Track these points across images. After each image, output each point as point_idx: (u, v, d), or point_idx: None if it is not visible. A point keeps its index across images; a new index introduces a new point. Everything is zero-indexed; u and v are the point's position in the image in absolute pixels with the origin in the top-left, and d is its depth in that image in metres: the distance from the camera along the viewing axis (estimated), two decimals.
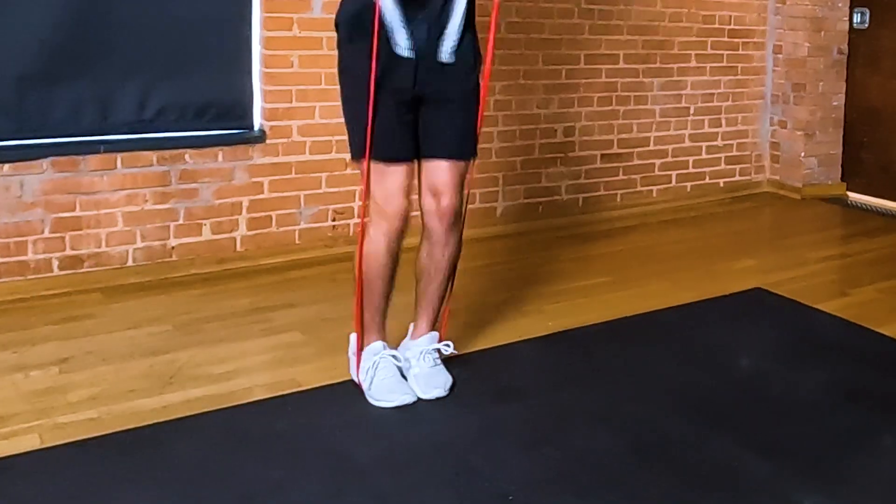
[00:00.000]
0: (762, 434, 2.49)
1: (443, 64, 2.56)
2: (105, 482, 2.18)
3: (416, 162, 2.64)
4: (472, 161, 2.69)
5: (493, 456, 2.33)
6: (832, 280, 3.95)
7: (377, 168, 2.56)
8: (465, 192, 2.71)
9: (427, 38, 2.52)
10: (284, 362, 2.90)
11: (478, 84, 2.66)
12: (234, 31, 3.89)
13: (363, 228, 2.62)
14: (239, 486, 2.17)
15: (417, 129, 2.64)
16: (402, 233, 2.62)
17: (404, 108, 2.57)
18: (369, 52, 2.45)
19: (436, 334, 2.79)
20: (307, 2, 3.95)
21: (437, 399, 2.64)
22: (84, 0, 3.51)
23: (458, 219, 2.69)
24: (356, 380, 2.69)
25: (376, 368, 2.65)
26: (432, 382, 2.68)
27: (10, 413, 2.50)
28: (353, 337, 2.72)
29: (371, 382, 2.64)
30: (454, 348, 2.81)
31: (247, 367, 2.85)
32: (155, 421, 2.46)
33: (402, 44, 2.50)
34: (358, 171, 2.80)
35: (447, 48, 2.55)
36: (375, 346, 2.69)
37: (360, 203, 2.67)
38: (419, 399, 2.63)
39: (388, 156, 2.56)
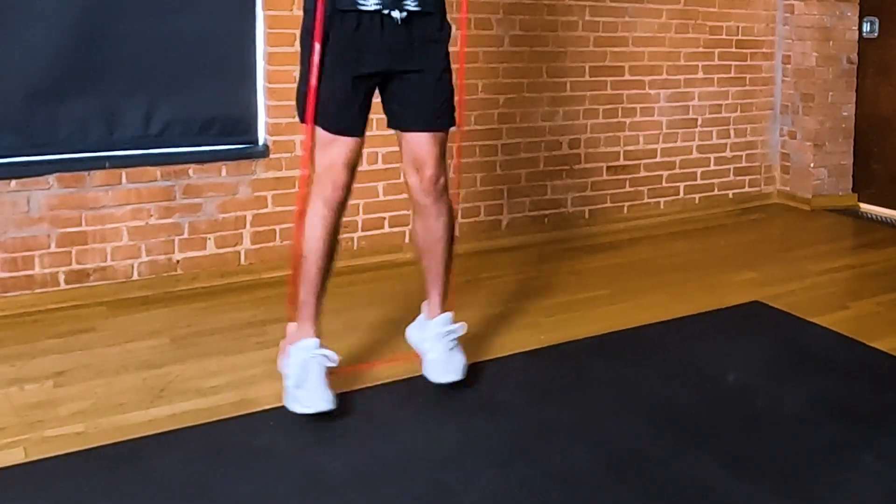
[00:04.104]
0: (740, 451, 2.49)
1: (411, 16, 2.55)
2: (86, 497, 2.22)
3: (364, 138, 2.64)
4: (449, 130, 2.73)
5: (466, 472, 2.35)
6: (833, 292, 3.91)
7: (324, 137, 2.57)
8: (449, 161, 2.74)
9: None
10: (274, 376, 2.89)
11: (448, 52, 2.69)
12: (237, 47, 3.96)
13: (302, 198, 2.59)
14: (214, 502, 2.21)
15: (389, 102, 2.68)
16: (342, 204, 2.62)
17: (364, 81, 2.58)
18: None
19: (449, 315, 2.84)
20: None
21: (419, 414, 2.67)
22: (90, 17, 3.59)
23: (444, 189, 2.72)
24: (280, 369, 2.67)
25: (307, 371, 2.58)
26: (449, 367, 2.75)
27: None
28: (292, 326, 2.71)
29: (299, 384, 2.57)
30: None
31: (237, 380, 2.89)
32: (139, 435, 2.51)
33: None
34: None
35: None
36: (308, 343, 2.63)
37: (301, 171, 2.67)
38: (406, 408, 2.67)
39: (338, 127, 2.56)
